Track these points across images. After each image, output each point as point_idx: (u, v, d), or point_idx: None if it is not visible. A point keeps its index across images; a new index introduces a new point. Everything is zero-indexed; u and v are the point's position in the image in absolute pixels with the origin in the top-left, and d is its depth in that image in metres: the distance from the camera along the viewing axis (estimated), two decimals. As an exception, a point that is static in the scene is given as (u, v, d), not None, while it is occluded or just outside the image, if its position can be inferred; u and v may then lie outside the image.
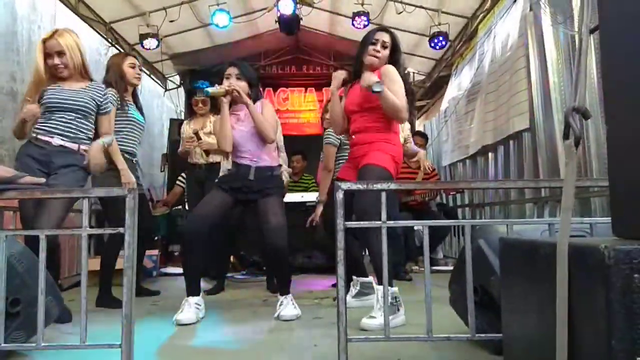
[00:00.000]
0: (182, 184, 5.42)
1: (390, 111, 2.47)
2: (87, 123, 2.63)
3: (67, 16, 4.56)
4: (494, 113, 4.64)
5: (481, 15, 5.05)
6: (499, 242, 1.39)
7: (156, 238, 5.32)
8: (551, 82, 3.74)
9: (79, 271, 4.19)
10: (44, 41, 2.61)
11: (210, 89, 2.69)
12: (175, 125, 6.00)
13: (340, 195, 1.68)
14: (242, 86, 2.72)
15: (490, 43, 4.86)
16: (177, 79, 7.34)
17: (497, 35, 4.72)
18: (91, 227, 3.91)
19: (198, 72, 6.69)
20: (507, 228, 1.64)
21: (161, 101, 7.30)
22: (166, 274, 4.83)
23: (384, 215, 1.70)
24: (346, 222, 1.68)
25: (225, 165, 3.37)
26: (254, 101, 2.79)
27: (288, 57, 7.46)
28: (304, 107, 7.75)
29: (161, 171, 6.36)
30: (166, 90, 7.26)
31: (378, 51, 2.57)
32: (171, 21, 5.28)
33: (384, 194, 1.70)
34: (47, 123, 2.56)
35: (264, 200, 2.72)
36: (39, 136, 2.56)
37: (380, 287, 2.32)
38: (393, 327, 1.89)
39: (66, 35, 2.62)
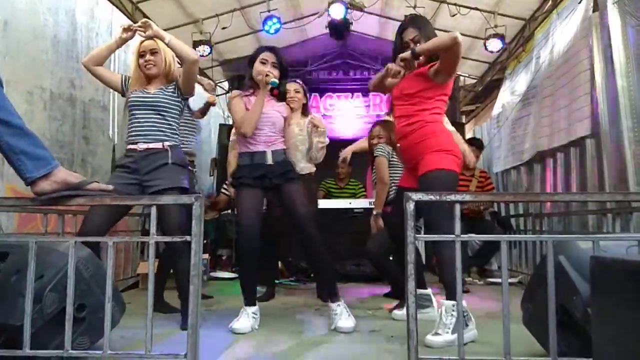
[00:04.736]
0: (227, 192, 5.45)
1: (439, 51, 2.36)
2: (166, 121, 2.61)
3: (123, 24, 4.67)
4: (550, 118, 4.42)
5: (540, 17, 4.85)
6: (590, 260, 1.28)
7: (205, 242, 5.37)
8: (619, 86, 3.51)
9: (134, 274, 4.28)
10: (141, 42, 2.66)
11: (276, 80, 2.68)
12: (225, 130, 6.05)
13: (411, 206, 1.61)
14: (275, 75, 2.70)
15: (549, 45, 4.66)
16: (225, 84, 7.42)
17: (557, 37, 4.51)
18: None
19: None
20: (593, 245, 1.52)
21: (209, 106, 7.39)
22: (216, 278, 4.88)
23: (457, 229, 1.60)
24: (417, 235, 1.60)
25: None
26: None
27: (335, 62, 7.42)
28: (350, 112, 7.68)
29: (210, 175, 6.42)
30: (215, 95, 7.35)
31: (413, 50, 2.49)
32: (223, 28, 5.34)
33: (457, 206, 1.61)
34: (130, 130, 2.61)
35: (288, 189, 2.69)
36: (128, 146, 2.61)
37: (446, 302, 2.23)
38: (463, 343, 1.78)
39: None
